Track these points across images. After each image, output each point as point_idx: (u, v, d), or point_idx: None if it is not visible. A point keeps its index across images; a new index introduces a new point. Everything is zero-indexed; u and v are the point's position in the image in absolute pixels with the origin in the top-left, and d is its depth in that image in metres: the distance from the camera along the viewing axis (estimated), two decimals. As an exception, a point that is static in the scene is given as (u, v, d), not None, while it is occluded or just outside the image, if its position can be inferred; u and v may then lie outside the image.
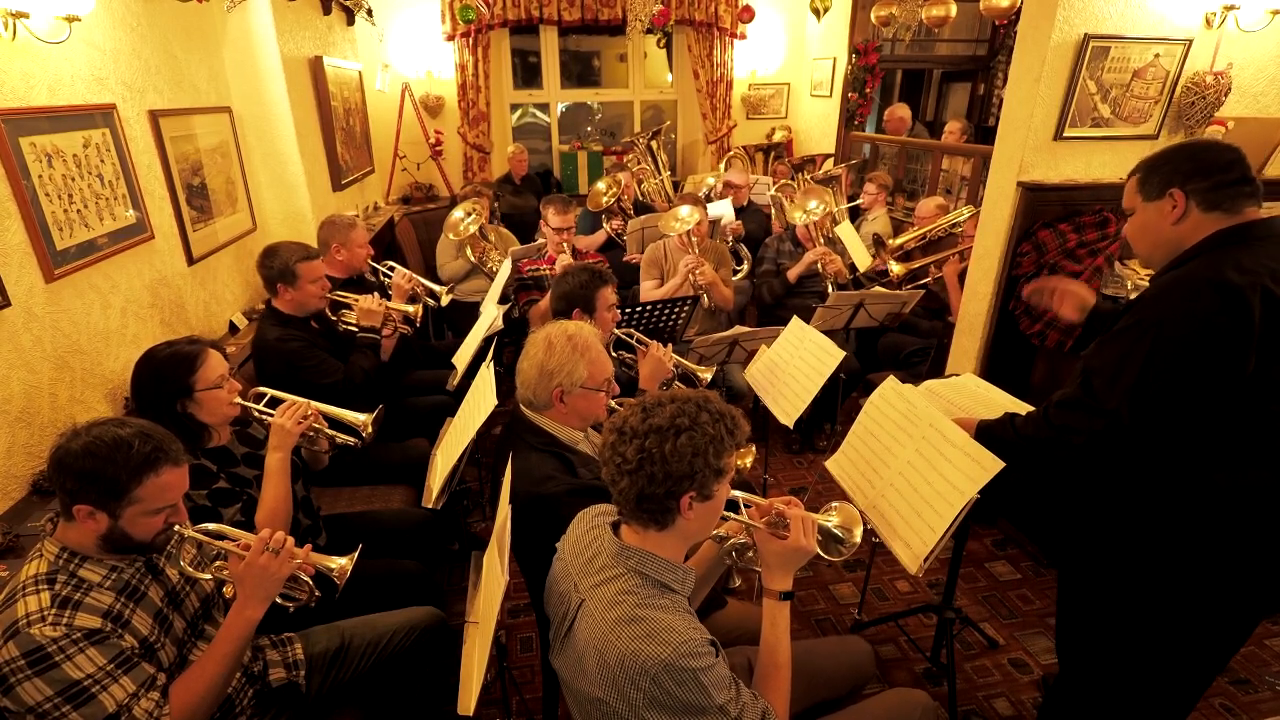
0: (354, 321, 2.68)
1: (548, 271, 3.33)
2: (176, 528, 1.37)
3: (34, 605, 1.22)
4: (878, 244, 3.91)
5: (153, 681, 1.29)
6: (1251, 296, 1.28)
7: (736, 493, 1.37)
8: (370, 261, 3.09)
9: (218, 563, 1.48)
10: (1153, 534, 1.45)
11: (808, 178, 4.88)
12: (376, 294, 2.79)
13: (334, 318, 2.69)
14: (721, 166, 5.71)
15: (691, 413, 1.20)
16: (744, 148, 6.02)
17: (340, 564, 1.50)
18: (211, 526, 1.45)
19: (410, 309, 2.87)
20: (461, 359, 2.80)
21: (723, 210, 4.35)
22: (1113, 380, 1.40)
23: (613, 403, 1.80)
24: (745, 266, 3.98)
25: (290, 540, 1.42)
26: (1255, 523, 1.37)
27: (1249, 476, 1.35)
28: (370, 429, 2.04)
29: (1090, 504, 1.58)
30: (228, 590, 1.53)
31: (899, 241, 3.77)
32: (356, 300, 2.70)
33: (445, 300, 3.28)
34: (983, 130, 6.71)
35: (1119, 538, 1.51)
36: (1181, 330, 1.33)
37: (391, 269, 3.13)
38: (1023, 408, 1.91)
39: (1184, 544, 1.42)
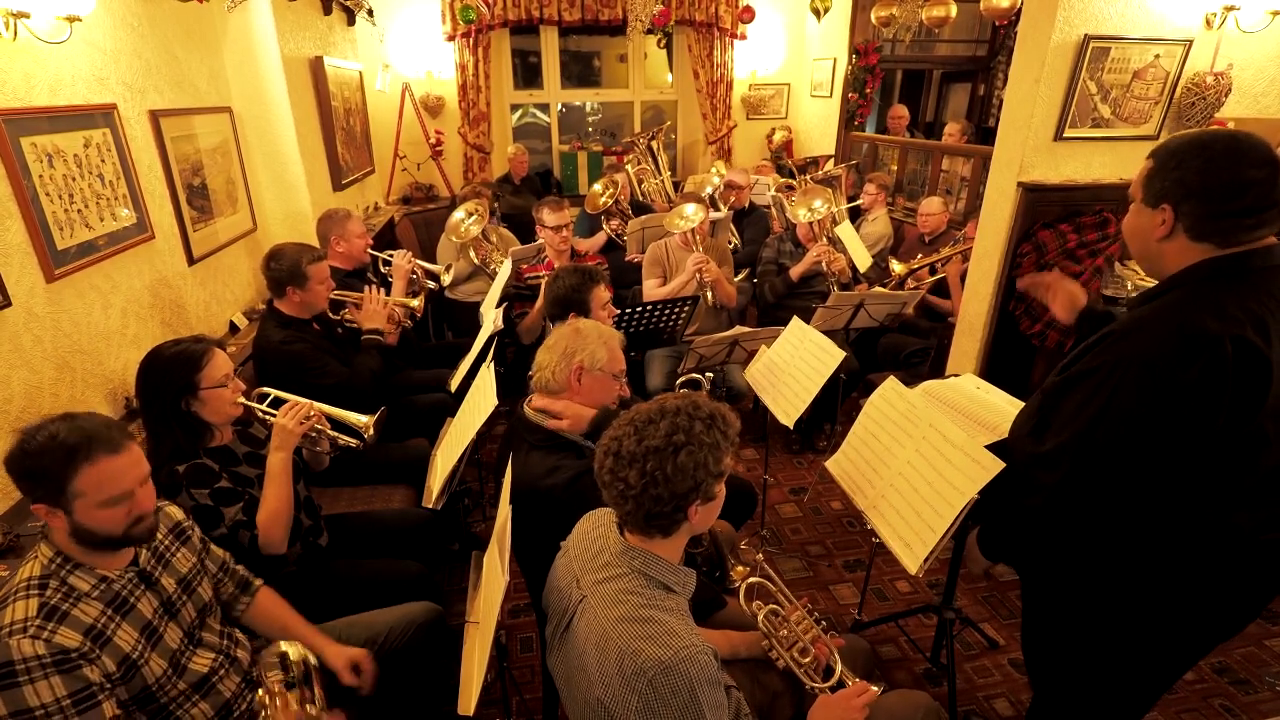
0: (357, 321, 2.69)
1: (546, 278, 3.33)
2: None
3: (20, 613, 1.19)
4: (881, 273, 3.98)
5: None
6: (1229, 347, 1.13)
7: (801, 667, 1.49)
8: (370, 251, 3.21)
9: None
10: (1102, 562, 1.35)
11: (808, 179, 4.89)
12: (380, 289, 2.81)
13: (336, 317, 2.70)
14: (720, 165, 5.70)
15: (685, 425, 1.19)
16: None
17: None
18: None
19: (413, 303, 2.94)
20: (464, 365, 2.81)
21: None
22: (1061, 429, 1.29)
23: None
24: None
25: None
26: (1203, 561, 1.27)
27: (1204, 518, 1.24)
28: (372, 431, 2.04)
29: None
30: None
31: (901, 271, 3.80)
32: (361, 299, 2.72)
33: (446, 279, 3.37)
34: (983, 131, 6.71)
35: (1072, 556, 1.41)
36: (1143, 385, 1.17)
37: (391, 254, 3.23)
38: (1020, 407, 1.91)
39: (1130, 574, 1.33)
